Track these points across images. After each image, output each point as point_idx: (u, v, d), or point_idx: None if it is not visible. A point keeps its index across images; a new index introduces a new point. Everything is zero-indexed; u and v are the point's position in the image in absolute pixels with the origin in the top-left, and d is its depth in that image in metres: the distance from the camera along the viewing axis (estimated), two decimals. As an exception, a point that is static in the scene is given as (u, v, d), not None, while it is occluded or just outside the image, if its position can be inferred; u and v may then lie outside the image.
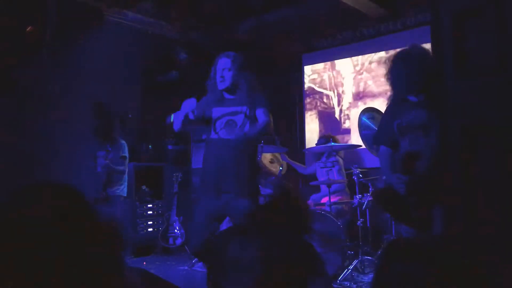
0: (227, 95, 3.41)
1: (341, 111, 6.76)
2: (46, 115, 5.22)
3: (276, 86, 7.05)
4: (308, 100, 7.14)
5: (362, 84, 6.46)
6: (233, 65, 3.36)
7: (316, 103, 7.07)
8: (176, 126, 3.32)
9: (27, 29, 5.05)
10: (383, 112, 3.16)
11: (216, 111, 3.36)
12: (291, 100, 7.04)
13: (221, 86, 3.36)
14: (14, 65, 4.94)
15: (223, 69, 3.36)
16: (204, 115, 3.39)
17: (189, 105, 3.24)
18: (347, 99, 6.65)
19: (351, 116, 6.57)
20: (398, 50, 2.99)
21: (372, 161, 5.41)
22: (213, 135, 3.32)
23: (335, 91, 6.84)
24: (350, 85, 6.64)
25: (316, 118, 7.04)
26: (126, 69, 5.99)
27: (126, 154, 5.40)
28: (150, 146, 6.81)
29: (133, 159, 6.44)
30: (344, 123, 6.70)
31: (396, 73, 2.79)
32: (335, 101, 6.82)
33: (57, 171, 4.82)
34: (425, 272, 0.94)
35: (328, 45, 6.71)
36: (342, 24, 6.42)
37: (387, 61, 2.94)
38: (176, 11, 6.29)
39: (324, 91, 6.96)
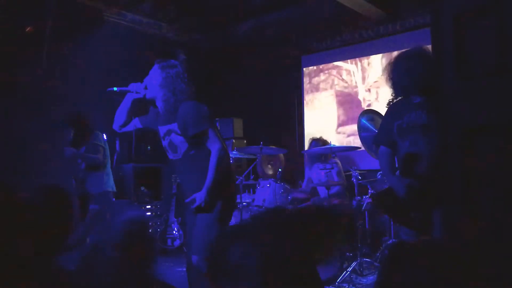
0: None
1: (367, 90, 5.48)
2: (45, 115, 5.21)
3: (275, 88, 7.06)
4: (322, 77, 5.70)
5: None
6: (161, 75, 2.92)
7: (333, 80, 5.61)
8: (119, 121, 3.03)
9: (27, 30, 5.04)
10: (384, 113, 3.16)
11: (160, 130, 3.03)
12: (290, 102, 7.03)
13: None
14: (13, 65, 4.93)
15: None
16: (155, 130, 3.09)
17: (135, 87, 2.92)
18: (375, 73, 5.40)
19: (379, 96, 5.25)
20: (400, 51, 2.99)
21: (371, 163, 5.40)
22: (168, 155, 3.03)
23: (359, 65, 5.55)
24: (379, 56, 5.32)
25: (334, 100, 5.61)
26: (124, 70, 5.98)
27: (101, 143, 4.84)
28: (148, 147, 6.80)
29: (132, 160, 6.43)
30: (370, 106, 5.43)
31: (399, 73, 2.78)
32: (358, 78, 5.52)
33: (56, 171, 4.80)
34: (430, 277, 0.94)
35: (328, 47, 6.71)
36: (341, 26, 6.42)
37: (388, 64, 2.94)
38: (175, 12, 6.30)
39: (344, 65, 5.61)
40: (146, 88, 2.90)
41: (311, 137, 5.71)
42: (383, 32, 6.12)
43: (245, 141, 6.70)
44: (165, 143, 3.00)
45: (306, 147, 6.54)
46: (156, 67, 2.93)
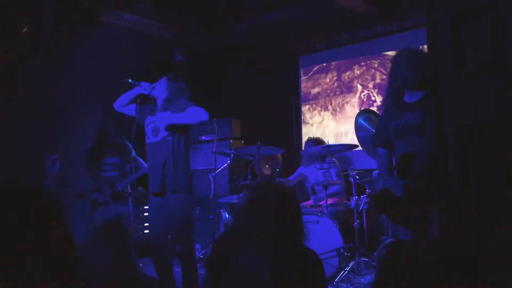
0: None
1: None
2: (44, 115, 5.21)
3: (273, 88, 7.06)
4: (356, 71, 4.48)
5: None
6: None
7: (373, 76, 4.47)
8: (121, 102, 3.77)
9: (23, 31, 5.03)
10: (380, 114, 3.17)
11: (147, 120, 3.73)
12: (288, 102, 7.04)
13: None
14: (11, 66, 4.93)
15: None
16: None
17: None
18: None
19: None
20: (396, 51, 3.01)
21: (368, 162, 5.40)
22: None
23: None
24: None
25: (374, 104, 4.46)
26: (122, 70, 5.98)
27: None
28: (146, 148, 6.78)
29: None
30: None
31: (396, 68, 2.80)
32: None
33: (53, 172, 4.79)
34: (426, 275, 0.94)
35: (325, 47, 6.72)
36: (338, 26, 6.43)
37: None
38: (173, 13, 6.29)
39: (390, 53, 4.41)
40: (153, 88, 3.65)
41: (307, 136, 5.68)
42: (380, 32, 6.13)
43: (243, 141, 6.70)
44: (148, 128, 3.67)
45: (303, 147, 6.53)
46: (165, 78, 3.65)
